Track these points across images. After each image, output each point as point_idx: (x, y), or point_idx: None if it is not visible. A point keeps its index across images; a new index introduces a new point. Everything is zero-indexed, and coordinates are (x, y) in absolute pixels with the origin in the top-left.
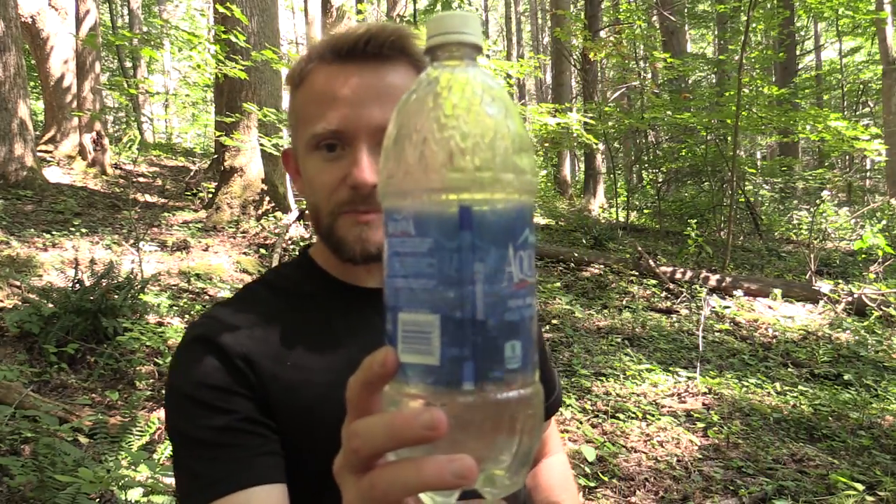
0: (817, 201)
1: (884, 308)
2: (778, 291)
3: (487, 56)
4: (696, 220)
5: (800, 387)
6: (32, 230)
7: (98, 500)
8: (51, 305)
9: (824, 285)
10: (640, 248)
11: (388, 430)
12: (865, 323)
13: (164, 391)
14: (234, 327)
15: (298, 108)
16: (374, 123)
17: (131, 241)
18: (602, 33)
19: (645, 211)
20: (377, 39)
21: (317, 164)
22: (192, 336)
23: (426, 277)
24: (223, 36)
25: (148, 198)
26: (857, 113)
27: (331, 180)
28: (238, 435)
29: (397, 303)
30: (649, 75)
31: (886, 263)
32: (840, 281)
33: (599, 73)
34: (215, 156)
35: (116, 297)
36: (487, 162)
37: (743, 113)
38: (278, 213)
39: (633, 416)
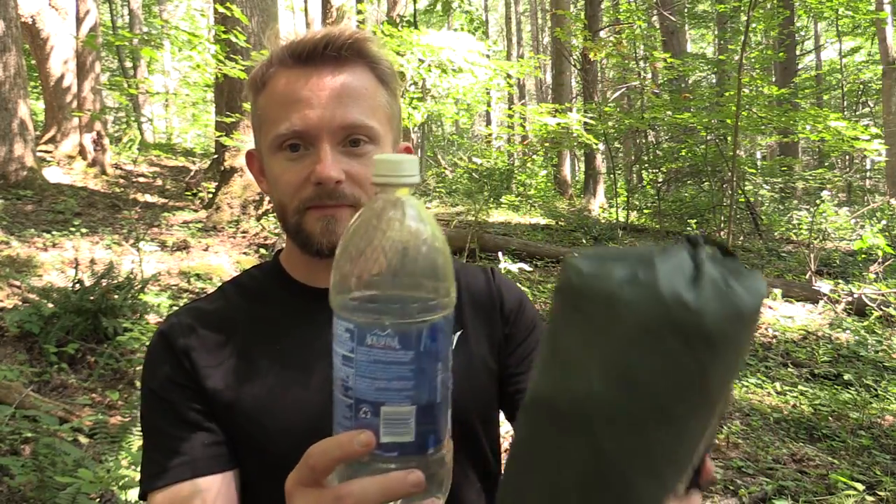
0: (817, 201)
1: (884, 308)
2: (778, 291)
3: (487, 56)
4: (696, 220)
5: (800, 387)
6: (32, 230)
7: (98, 500)
8: (51, 305)
9: (824, 285)
10: None
11: (383, 489)
12: (865, 323)
13: None
14: (188, 325)
15: (261, 111)
16: (335, 123)
17: (131, 241)
18: (602, 33)
19: (645, 211)
20: (335, 43)
21: (281, 163)
22: (156, 332)
23: (407, 380)
24: (223, 36)
25: (148, 198)
26: (857, 113)
27: (295, 179)
28: (188, 427)
29: (379, 398)
30: (649, 75)
31: (886, 263)
32: (840, 281)
33: (599, 73)
34: (215, 156)
35: (116, 297)
36: (447, 288)
37: (743, 113)
38: None
39: None
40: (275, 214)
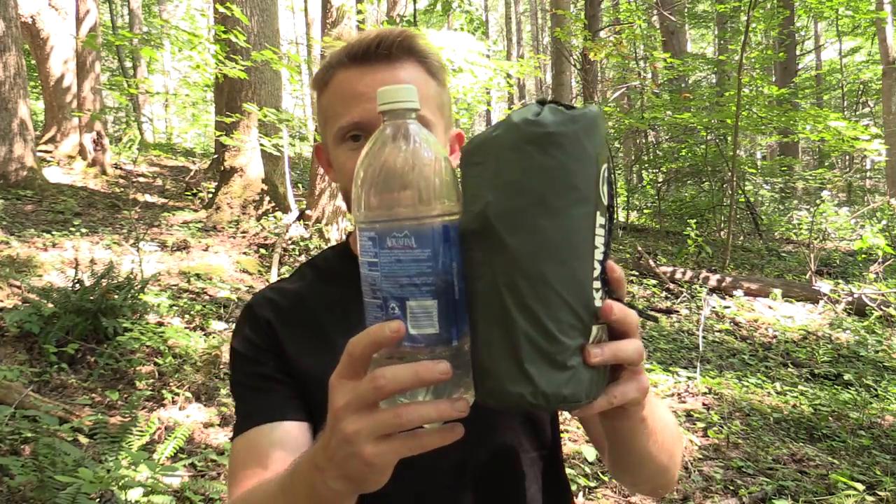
0: (817, 201)
1: (884, 308)
2: (778, 291)
3: (487, 56)
4: (695, 220)
5: (800, 387)
6: (32, 230)
7: (98, 500)
8: (51, 305)
9: (824, 285)
10: (640, 248)
11: (414, 374)
12: (865, 323)
13: None
14: (270, 299)
15: (325, 108)
16: None
17: (131, 241)
18: (602, 33)
19: (645, 211)
20: (386, 42)
21: (344, 153)
22: (245, 305)
23: (427, 275)
24: (223, 36)
25: (148, 198)
26: (857, 113)
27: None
28: (268, 382)
29: (403, 294)
30: (649, 75)
31: (886, 263)
32: (840, 281)
33: (599, 73)
34: (215, 156)
35: (116, 297)
36: (453, 197)
37: (743, 113)
38: (278, 213)
39: None
40: (340, 202)
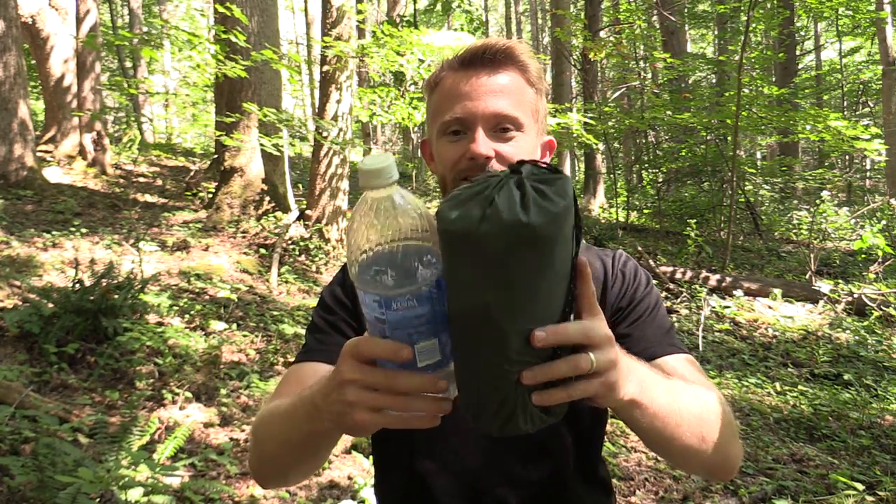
0: (817, 201)
1: (884, 308)
2: (778, 291)
3: None
4: (695, 220)
5: (800, 387)
6: (32, 230)
7: (98, 500)
8: (51, 305)
9: (824, 285)
10: (640, 248)
11: (421, 383)
12: (865, 323)
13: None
14: None
15: (433, 105)
16: (488, 112)
17: (131, 241)
18: (602, 33)
19: (645, 211)
20: (491, 50)
21: (444, 144)
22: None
23: (427, 324)
24: (223, 36)
25: (148, 198)
26: (857, 113)
27: (454, 155)
28: (332, 329)
29: (411, 339)
30: (649, 75)
31: (886, 263)
32: (840, 281)
33: (599, 73)
34: (215, 156)
35: (116, 297)
36: (434, 253)
37: (743, 113)
38: (278, 213)
39: None
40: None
